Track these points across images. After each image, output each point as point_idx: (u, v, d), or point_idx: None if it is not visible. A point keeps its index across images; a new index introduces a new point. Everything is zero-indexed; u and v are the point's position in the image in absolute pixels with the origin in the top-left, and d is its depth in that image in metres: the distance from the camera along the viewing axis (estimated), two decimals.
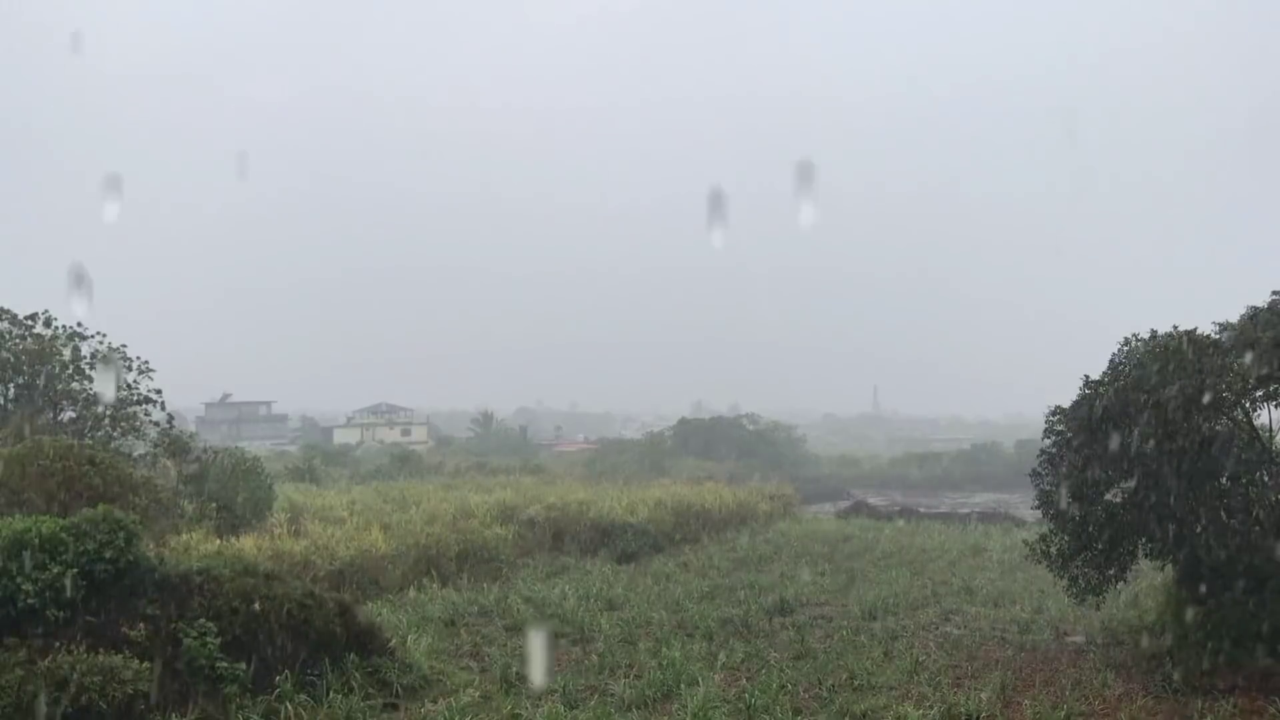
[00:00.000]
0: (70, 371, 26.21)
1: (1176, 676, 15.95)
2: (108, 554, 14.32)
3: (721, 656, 18.25)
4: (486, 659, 18.28)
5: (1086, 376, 18.60)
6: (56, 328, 26.35)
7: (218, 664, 14.15)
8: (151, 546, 17.60)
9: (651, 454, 73.15)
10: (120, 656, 13.18)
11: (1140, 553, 18.44)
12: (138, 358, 27.02)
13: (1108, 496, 17.53)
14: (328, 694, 14.92)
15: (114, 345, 26.77)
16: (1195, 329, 17.10)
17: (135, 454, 25.69)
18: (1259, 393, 16.60)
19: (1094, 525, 17.91)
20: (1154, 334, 17.76)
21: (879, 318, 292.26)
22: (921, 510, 50.84)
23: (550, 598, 23.87)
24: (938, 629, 21.28)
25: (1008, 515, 46.75)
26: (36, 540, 13.93)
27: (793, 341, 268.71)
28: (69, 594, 13.74)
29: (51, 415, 25.82)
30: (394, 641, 17.40)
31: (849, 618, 22.23)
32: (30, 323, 26.22)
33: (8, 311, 26.10)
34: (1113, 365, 18.43)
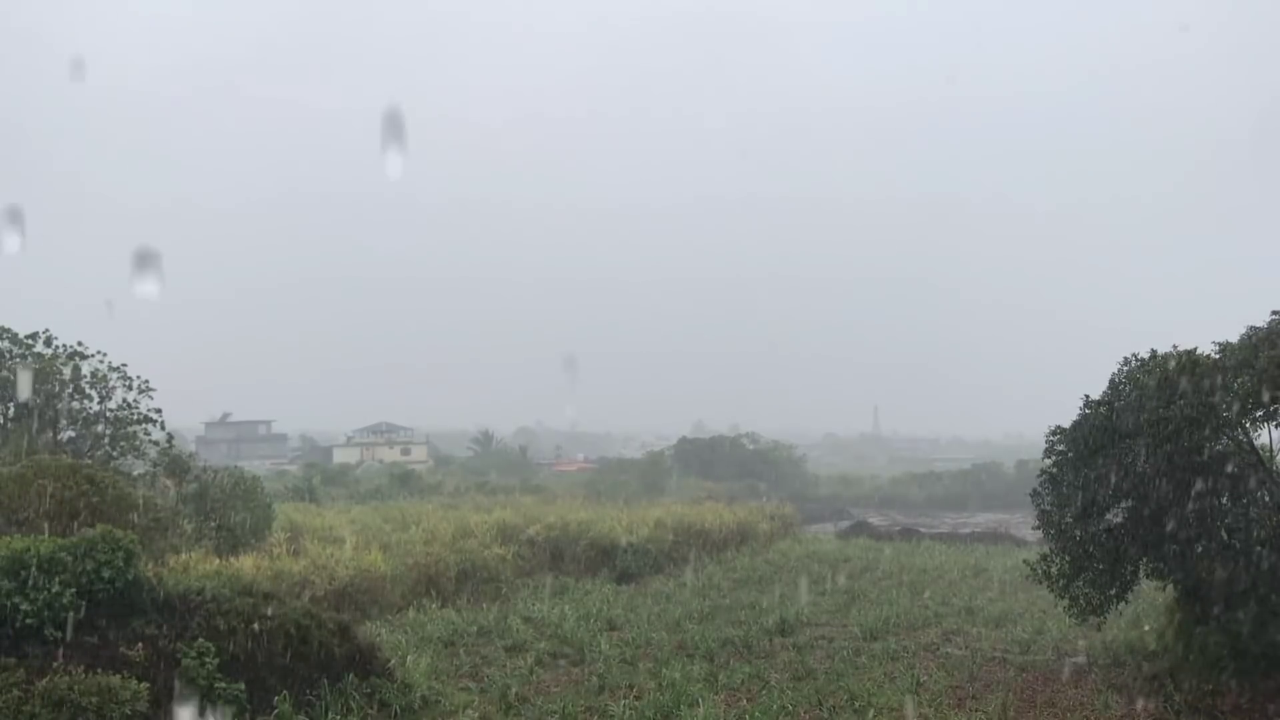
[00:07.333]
0: (70, 391, 26.20)
1: (1179, 697, 15.89)
2: (106, 573, 14.31)
3: (722, 677, 18.18)
4: (486, 680, 18.21)
5: (1086, 396, 18.64)
6: (56, 347, 26.36)
7: (216, 684, 14.10)
8: (150, 566, 17.57)
9: (652, 474, 73.00)
10: (118, 677, 13.13)
11: (1141, 573, 18.40)
12: (138, 377, 27.04)
13: (1108, 516, 17.52)
14: (326, 715, 14.87)
15: (114, 365, 26.78)
16: (1195, 349, 17.14)
17: (135, 473, 25.64)
18: (1259, 413, 16.60)
19: (1095, 545, 17.90)
20: (1154, 354, 17.79)
21: (880, 329, 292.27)
22: (922, 530, 50.74)
23: (550, 618, 23.80)
24: (938, 650, 21.20)
25: (1008, 535, 46.70)
26: (35, 559, 13.90)
27: (794, 353, 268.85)
28: (67, 613, 13.71)
29: (51, 434, 25.78)
30: (393, 662, 17.35)
31: (850, 638, 22.15)
32: (30, 342, 26.22)
33: (8, 330, 26.11)
34: (1113, 385, 18.46)
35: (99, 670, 13.27)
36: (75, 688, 12.67)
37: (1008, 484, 70.19)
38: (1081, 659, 20.13)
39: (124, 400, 26.67)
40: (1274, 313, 16.31)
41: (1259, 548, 15.83)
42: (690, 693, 16.69)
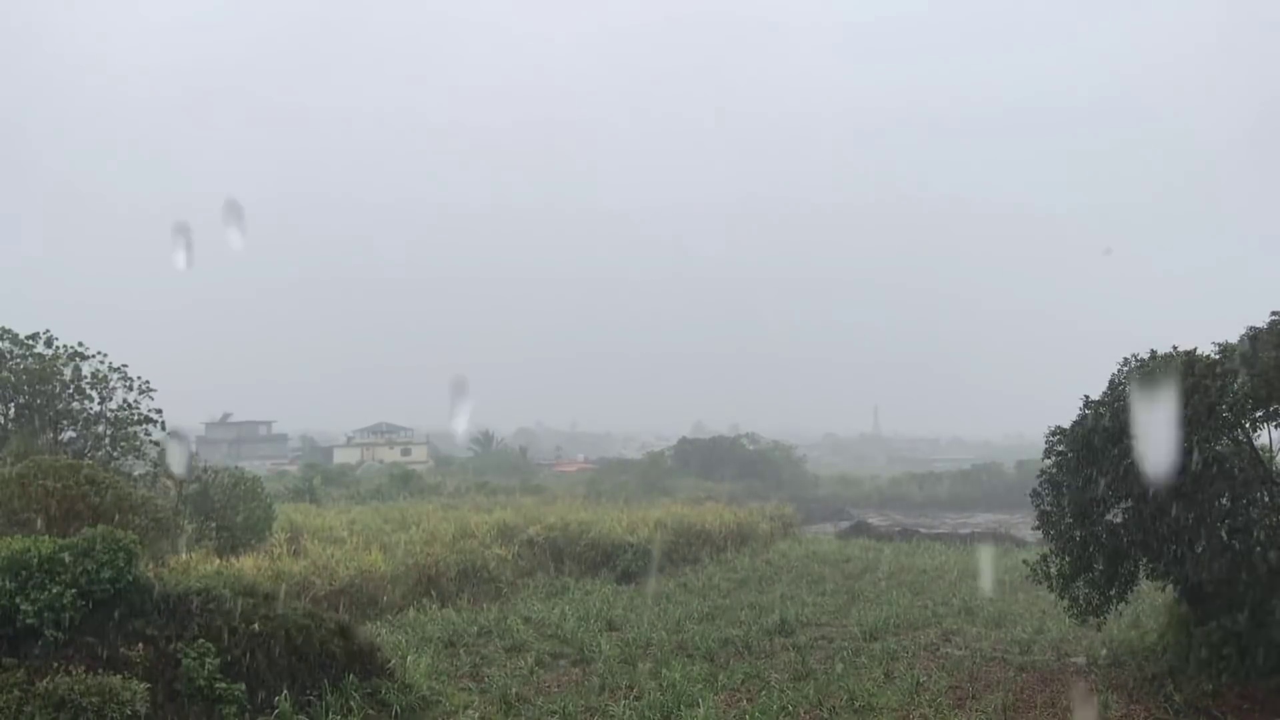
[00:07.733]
0: (71, 391, 26.20)
1: (1178, 698, 15.89)
2: (107, 574, 14.31)
3: (722, 678, 18.20)
4: (486, 680, 18.23)
5: (1086, 397, 18.62)
6: (57, 348, 26.34)
7: (216, 684, 14.11)
8: (151, 566, 17.58)
9: (652, 474, 72.98)
10: (119, 677, 13.14)
11: (1141, 573, 18.39)
12: (138, 377, 27.00)
13: (1108, 517, 17.51)
14: (327, 715, 14.88)
15: (115, 365, 26.75)
16: (1195, 349, 17.13)
17: (135, 473, 25.63)
18: (1259, 413, 16.60)
19: (1095, 546, 17.89)
20: (1154, 354, 17.78)
21: (880, 329, 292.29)
22: (922, 531, 50.71)
23: (550, 618, 23.82)
24: (938, 650, 21.21)
25: (1008, 536, 46.65)
26: (35, 560, 13.92)
27: (794, 353, 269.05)
28: (68, 614, 13.72)
29: (52, 435, 25.77)
30: (393, 662, 17.35)
31: (850, 638, 22.16)
32: (31, 342, 26.20)
33: (9, 331, 26.08)
34: (1112, 385, 18.44)
35: (99, 671, 13.28)
36: (75, 688, 12.68)
37: (1008, 484, 70.13)
38: (1081, 659, 20.14)
39: (124, 401, 26.63)
40: (1274, 313, 16.29)
41: (1259, 548, 15.83)
42: (690, 693, 16.70)
